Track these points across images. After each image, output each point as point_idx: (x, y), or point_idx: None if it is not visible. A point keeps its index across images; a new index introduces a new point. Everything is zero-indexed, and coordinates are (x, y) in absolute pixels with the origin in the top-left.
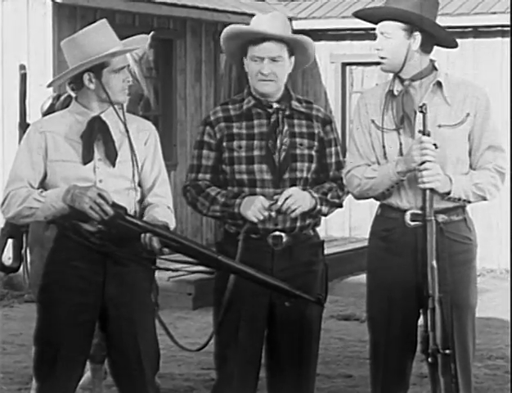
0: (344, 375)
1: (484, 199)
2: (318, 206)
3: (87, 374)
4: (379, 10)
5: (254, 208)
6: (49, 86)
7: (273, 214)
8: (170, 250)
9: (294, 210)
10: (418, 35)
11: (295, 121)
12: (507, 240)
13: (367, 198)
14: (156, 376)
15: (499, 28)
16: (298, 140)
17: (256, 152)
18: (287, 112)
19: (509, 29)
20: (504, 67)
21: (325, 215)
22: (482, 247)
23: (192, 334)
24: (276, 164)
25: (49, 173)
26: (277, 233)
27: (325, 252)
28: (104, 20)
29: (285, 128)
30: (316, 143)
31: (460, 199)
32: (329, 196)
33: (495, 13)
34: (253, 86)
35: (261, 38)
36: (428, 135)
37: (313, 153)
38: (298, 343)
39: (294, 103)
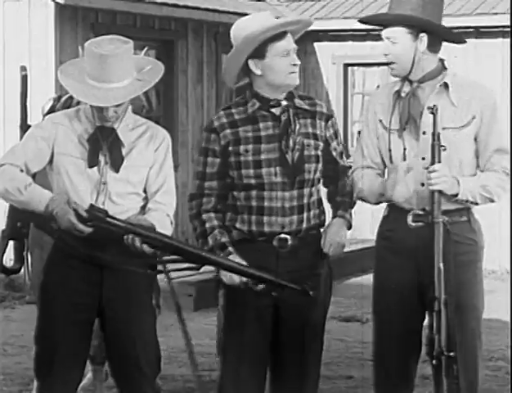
0: (345, 376)
1: (492, 201)
2: (351, 223)
3: (88, 376)
4: (384, 16)
5: (232, 276)
6: None
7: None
8: (154, 249)
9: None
10: (424, 37)
11: (301, 121)
12: (508, 241)
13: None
14: (157, 377)
15: (500, 28)
16: (305, 141)
17: (263, 156)
18: (293, 110)
19: (510, 29)
20: (505, 68)
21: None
22: None
23: (193, 335)
24: (289, 165)
25: (55, 164)
26: (283, 236)
27: None
28: (127, 47)
29: (297, 126)
30: (320, 143)
31: (467, 201)
32: (352, 207)
33: (496, 14)
34: (282, 82)
35: (283, 31)
36: (438, 137)
37: (319, 153)
38: (301, 344)
39: (298, 101)
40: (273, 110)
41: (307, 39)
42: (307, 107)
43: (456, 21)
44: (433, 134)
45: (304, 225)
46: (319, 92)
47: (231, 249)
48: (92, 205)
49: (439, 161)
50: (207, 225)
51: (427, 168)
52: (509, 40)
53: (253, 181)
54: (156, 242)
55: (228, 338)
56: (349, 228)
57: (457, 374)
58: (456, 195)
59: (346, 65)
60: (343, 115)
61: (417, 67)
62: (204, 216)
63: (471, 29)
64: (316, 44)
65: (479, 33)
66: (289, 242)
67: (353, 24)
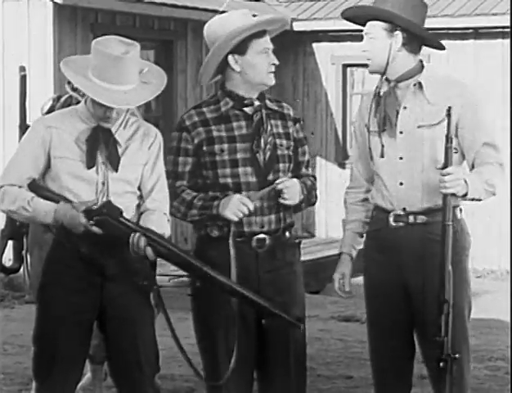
0: (345, 376)
1: (493, 194)
2: (303, 204)
3: (88, 375)
4: (361, 9)
5: (232, 206)
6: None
7: (252, 207)
8: (158, 256)
9: (285, 198)
10: (399, 34)
11: (272, 121)
12: (507, 240)
13: None
14: (156, 377)
15: (499, 29)
16: (277, 141)
17: (239, 155)
18: (265, 111)
19: (509, 30)
20: (504, 68)
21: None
22: (482, 248)
23: (193, 335)
24: (260, 165)
25: (53, 168)
26: (261, 236)
27: (326, 254)
28: (137, 50)
29: (269, 127)
30: (292, 143)
31: (473, 199)
32: (309, 196)
33: (495, 14)
34: (260, 81)
35: (263, 30)
36: (451, 139)
37: (291, 153)
38: (283, 342)
39: (268, 102)
40: (246, 109)
41: (307, 40)
42: (276, 108)
43: (455, 22)
44: (447, 137)
45: (282, 224)
46: (318, 93)
47: (227, 193)
48: (109, 202)
49: (451, 164)
50: (189, 198)
51: (441, 168)
52: (508, 41)
53: (229, 180)
54: (161, 249)
55: (213, 339)
56: (306, 202)
57: (456, 375)
58: (465, 195)
59: (345, 66)
60: (341, 116)
61: (393, 65)
62: (183, 194)
63: (470, 30)
64: (315, 44)
65: (478, 33)
66: (267, 242)
67: (352, 24)
